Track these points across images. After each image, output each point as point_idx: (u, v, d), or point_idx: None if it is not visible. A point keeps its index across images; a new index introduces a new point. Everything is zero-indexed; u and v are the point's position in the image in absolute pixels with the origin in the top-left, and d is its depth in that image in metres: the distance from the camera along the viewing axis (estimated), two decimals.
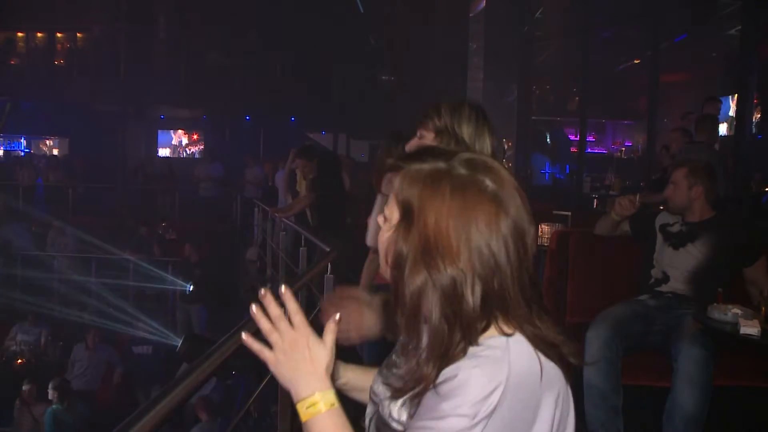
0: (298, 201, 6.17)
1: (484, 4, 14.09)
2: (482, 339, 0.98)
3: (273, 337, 1.08)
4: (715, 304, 2.91)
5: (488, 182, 0.99)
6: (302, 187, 6.47)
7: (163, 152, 19.29)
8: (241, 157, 13.24)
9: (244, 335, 1.10)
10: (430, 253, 0.97)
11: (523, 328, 0.99)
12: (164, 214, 13.97)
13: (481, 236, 0.97)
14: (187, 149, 19.58)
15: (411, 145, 2.05)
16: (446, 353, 0.97)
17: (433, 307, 0.97)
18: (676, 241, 3.44)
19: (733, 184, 6.68)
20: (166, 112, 18.75)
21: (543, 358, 0.98)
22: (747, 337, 2.65)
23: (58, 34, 18.97)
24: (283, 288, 1.10)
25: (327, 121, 17.59)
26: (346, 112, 16.68)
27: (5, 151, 18.85)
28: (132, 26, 16.71)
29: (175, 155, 19.29)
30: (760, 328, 2.65)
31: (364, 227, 3.99)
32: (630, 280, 3.60)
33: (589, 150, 14.81)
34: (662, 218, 3.57)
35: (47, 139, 19.71)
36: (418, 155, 1.05)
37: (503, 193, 0.99)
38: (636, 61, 15.19)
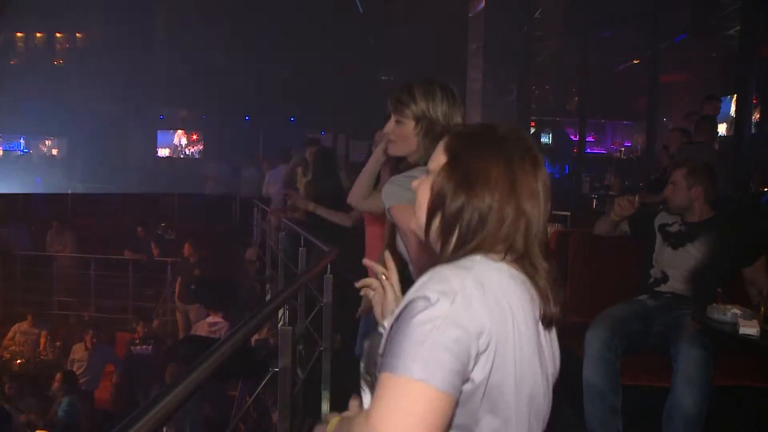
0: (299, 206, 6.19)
1: (483, 4, 14.08)
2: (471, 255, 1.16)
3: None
4: (714, 304, 2.91)
5: (529, 143, 1.21)
6: (302, 184, 6.47)
7: (163, 152, 19.27)
8: (240, 157, 13.25)
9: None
10: (471, 185, 1.16)
11: (521, 264, 1.18)
12: (163, 214, 13.96)
13: (519, 181, 1.16)
14: (186, 149, 19.57)
15: (389, 128, 2.12)
16: (456, 249, 1.17)
17: (461, 229, 1.17)
18: (676, 241, 3.44)
19: (732, 184, 6.68)
20: (166, 112, 18.75)
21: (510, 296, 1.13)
22: (746, 338, 2.65)
23: (58, 34, 18.96)
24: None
25: (326, 121, 17.59)
26: (345, 112, 16.68)
27: (4, 150, 18.83)
28: (131, 26, 16.71)
29: (175, 155, 19.28)
30: (759, 329, 2.65)
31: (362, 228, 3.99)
32: (629, 280, 3.60)
33: (588, 150, 14.83)
34: (661, 218, 3.57)
35: (46, 139, 19.70)
36: (465, 126, 1.31)
37: (538, 154, 1.20)
38: (635, 62, 15.20)
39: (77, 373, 7.92)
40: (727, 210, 4.30)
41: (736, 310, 2.79)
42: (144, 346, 8.26)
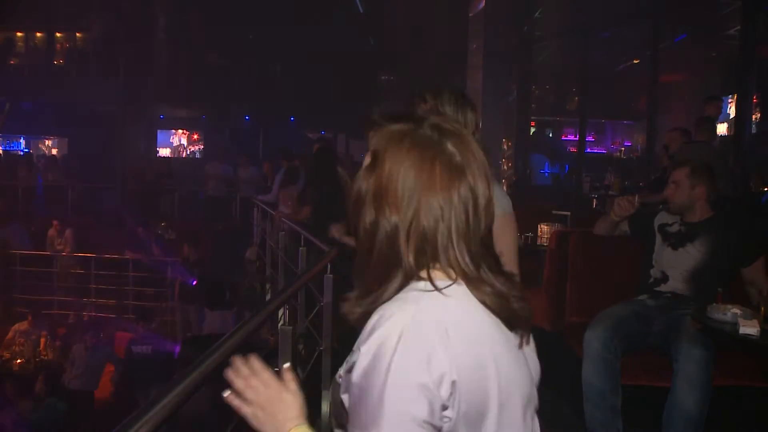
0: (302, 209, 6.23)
1: (483, 3, 14.07)
2: (413, 285, 1.06)
3: (249, 394, 1.16)
4: (714, 304, 2.91)
5: (450, 146, 1.08)
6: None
7: (163, 152, 19.27)
8: (240, 157, 13.23)
9: (225, 395, 1.17)
10: (380, 198, 1.07)
11: (468, 282, 1.06)
12: (164, 214, 13.96)
13: (430, 193, 1.05)
14: (186, 149, 19.57)
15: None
16: (380, 291, 1.07)
17: (377, 246, 1.07)
18: (675, 241, 3.44)
19: (731, 184, 6.68)
20: (166, 112, 18.75)
21: (474, 313, 1.05)
22: (746, 338, 2.65)
23: (58, 34, 18.94)
24: (242, 361, 1.19)
25: (326, 121, 17.59)
26: (345, 112, 16.68)
27: (4, 150, 18.83)
28: (131, 26, 16.71)
29: (175, 155, 19.28)
30: (759, 328, 2.65)
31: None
32: (629, 280, 3.60)
33: (588, 150, 14.81)
34: (661, 218, 3.57)
35: (46, 138, 19.70)
36: (396, 117, 1.14)
37: (463, 158, 1.07)
38: (635, 61, 15.19)
39: (77, 373, 7.93)
40: (727, 210, 4.29)
41: (737, 310, 2.79)
42: (144, 346, 8.26)
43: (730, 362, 3.14)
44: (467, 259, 1.06)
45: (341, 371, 1.09)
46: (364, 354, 1.00)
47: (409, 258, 1.05)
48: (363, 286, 1.10)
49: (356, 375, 1.00)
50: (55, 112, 17.05)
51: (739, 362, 3.22)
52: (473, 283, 1.06)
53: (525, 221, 4.97)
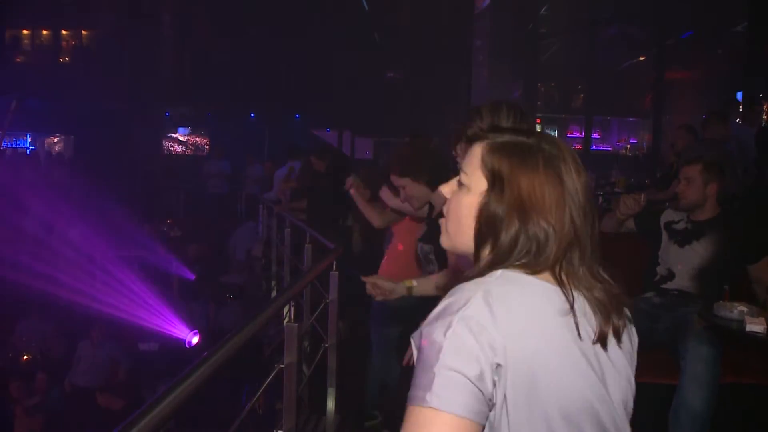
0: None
1: (488, 0, 14.07)
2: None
3: None
4: (721, 301, 2.90)
5: (570, 161, 1.16)
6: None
7: (169, 150, 19.30)
8: (245, 155, 13.27)
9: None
10: (526, 211, 1.11)
11: (570, 281, 1.13)
12: (169, 212, 13.99)
13: (570, 201, 1.13)
14: (192, 147, 19.60)
15: (458, 152, 2.12)
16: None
17: (517, 249, 1.12)
18: (682, 239, 3.43)
19: (738, 181, 6.65)
20: (172, 110, 18.78)
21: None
22: (753, 335, 2.64)
23: (64, 32, 18.99)
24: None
25: (332, 118, 17.59)
26: (350, 109, 16.67)
27: (11, 148, 18.88)
28: (137, 24, 16.73)
29: (181, 153, 19.31)
30: (766, 326, 2.64)
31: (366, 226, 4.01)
32: (634, 277, 3.59)
33: (594, 147, 14.80)
34: (667, 216, 3.56)
35: (53, 136, 19.76)
36: (499, 130, 1.22)
37: (581, 171, 1.17)
38: (641, 59, 15.16)
39: (83, 369, 7.96)
40: (734, 207, 4.28)
41: (743, 308, 2.79)
42: (150, 343, 8.28)
43: (737, 360, 3.13)
44: (587, 263, 1.16)
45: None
46: (432, 315, 1.06)
47: (555, 256, 1.12)
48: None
49: (421, 332, 1.06)
50: (61, 110, 17.08)
51: (746, 360, 3.21)
52: (574, 283, 1.13)
53: None
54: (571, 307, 1.11)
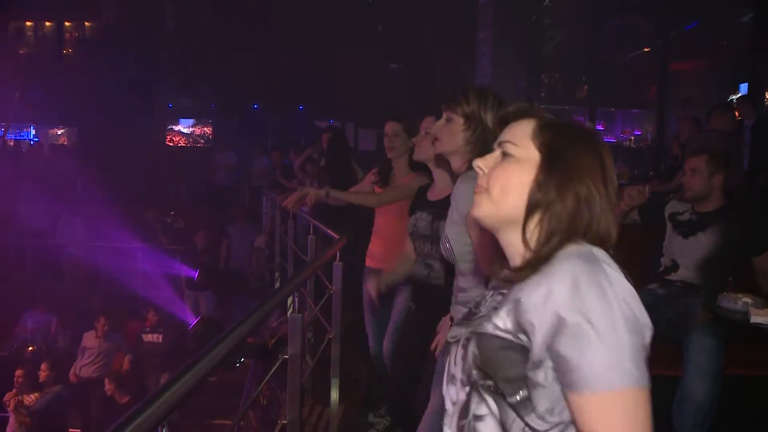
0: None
1: None
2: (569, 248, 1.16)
3: None
4: (725, 293, 2.90)
5: (601, 141, 1.25)
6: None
7: (172, 141, 19.31)
8: (249, 146, 13.27)
9: None
10: (580, 179, 1.17)
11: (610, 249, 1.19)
12: (172, 203, 14.00)
13: (609, 174, 1.20)
14: (195, 138, 19.60)
15: (438, 127, 2.27)
16: (558, 241, 1.16)
17: (572, 218, 1.17)
18: (686, 230, 3.42)
19: (743, 173, 6.64)
20: (175, 101, 18.77)
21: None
22: (757, 326, 2.64)
23: (67, 24, 18.97)
24: None
25: (335, 109, 17.57)
26: (354, 100, 16.64)
27: (15, 140, 18.91)
28: (140, 15, 16.71)
29: (184, 144, 19.32)
30: None
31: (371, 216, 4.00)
32: (639, 268, 3.58)
33: None
34: (672, 207, 3.55)
35: (56, 128, 19.77)
36: (537, 109, 1.30)
37: (610, 151, 1.24)
38: (646, 50, 15.09)
39: (88, 360, 7.99)
40: (738, 199, 4.26)
41: (747, 299, 2.78)
42: (154, 335, 8.31)
43: (741, 351, 3.13)
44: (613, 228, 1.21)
45: (498, 329, 1.14)
46: (563, 293, 1.07)
47: (600, 226, 1.18)
48: (528, 255, 1.19)
49: (576, 334, 1.04)
50: (65, 101, 17.08)
51: (750, 351, 3.20)
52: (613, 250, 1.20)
53: None
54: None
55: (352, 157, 5.85)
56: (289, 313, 3.16)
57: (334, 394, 3.65)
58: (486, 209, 1.23)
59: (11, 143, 17.78)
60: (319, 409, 4.02)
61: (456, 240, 2.18)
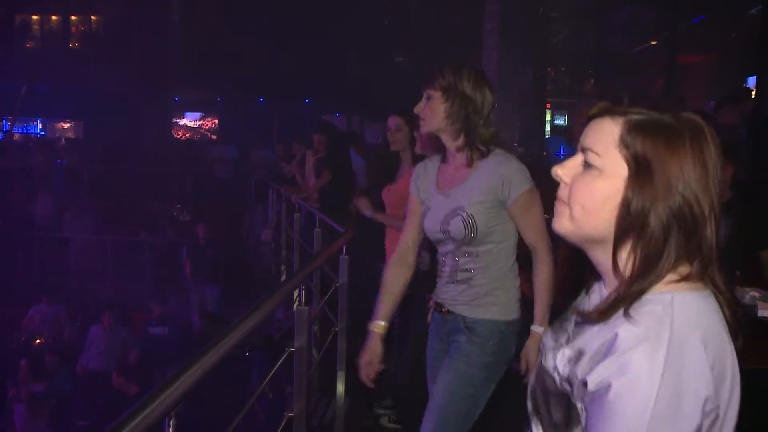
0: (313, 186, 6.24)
1: None
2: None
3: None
4: (732, 287, 2.88)
5: (710, 141, 1.04)
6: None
7: (178, 134, 19.34)
8: (255, 139, 13.29)
9: None
10: (675, 195, 1.00)
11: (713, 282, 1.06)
12: (179, 196, 14.03)
13: (713, 187, 1.03)
14: (201, 131, 19.62)
15: (419, 107, 2.28)
16: (654, 275, 1.01)
17: (671, 240, 1.01)
18: None
19: (751, 166, 6.59)
20: (181, 95, 18.78)
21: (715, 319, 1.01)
22: (765, 320, 2.63)
23: (73, 17, 18.99)
24: None
25: (341, 103, 17.55)
26: (360, 93, 16.62)
27: (21, 134, 18.97)
28: (145, 9, 16.72)
29: (190, 137, 19.35)
30: None
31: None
32: None
33: None
34: None
35: (63, 122, 19.82)
36: (634, 105, 1.07)
37: (720, 152, 1.06)
38: (653, 42, 15.02)
39: (95, 353, 8.03)
40: (746, 192, 4.24)
41: (755, 293, 2.77)
42: (160, 327, 8.34)
43: (749, 346, 3.11)
44: (713, 254, 1.05)
45: (565, 370, 1.06)
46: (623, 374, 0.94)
47: (709, 245, 1.04)
48: (622, 284, 1.04)
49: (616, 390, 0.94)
50: (71, 95, 17.12)
51: (758, 345, 3.19)
52: (717, 285, 1.07)
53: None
54: (736, 331, 1.04)
55: (353, 145, 5.86)
56: (295, 306, 3.17)
57: (340, 387, 3.66)
58: (566, 226, 1.10)
59: (17, 137, 17.83)
60: (325, 402, 4.03)
61: (482, 215, 2.19)
